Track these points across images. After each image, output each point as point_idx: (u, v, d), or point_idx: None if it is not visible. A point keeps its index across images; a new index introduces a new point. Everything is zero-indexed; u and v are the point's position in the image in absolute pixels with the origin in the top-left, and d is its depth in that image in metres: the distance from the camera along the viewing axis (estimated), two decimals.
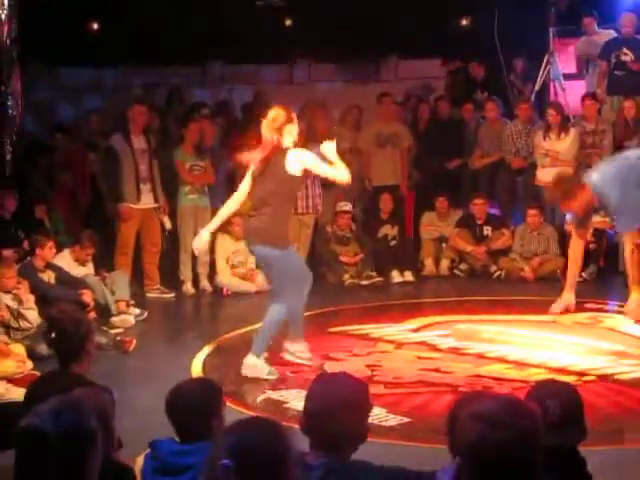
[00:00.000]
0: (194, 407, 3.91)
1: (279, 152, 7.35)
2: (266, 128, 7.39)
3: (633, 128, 11.96)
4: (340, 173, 7.53)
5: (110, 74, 15.45)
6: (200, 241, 7.88)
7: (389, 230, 12.10)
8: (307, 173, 7.49)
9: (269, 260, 7.54)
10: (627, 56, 12.29)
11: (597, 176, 8.43)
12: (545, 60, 12.81)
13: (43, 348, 7.28)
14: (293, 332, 7.75)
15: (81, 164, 12.33)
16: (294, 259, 7.74)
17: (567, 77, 13.59)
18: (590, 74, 13.22)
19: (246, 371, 7.49)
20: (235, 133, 12.12)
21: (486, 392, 3.91)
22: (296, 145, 7.45)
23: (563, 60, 13.41)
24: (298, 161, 7.34)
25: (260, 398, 7.05)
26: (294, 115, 7.53)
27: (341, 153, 7.76)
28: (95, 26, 14.76)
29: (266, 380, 7.40)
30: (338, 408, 3.38)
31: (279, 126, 7.35)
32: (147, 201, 11.01)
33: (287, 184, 7.40)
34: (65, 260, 9.83)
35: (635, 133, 11.94)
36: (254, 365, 7.48)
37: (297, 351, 7.74)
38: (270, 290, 8.17)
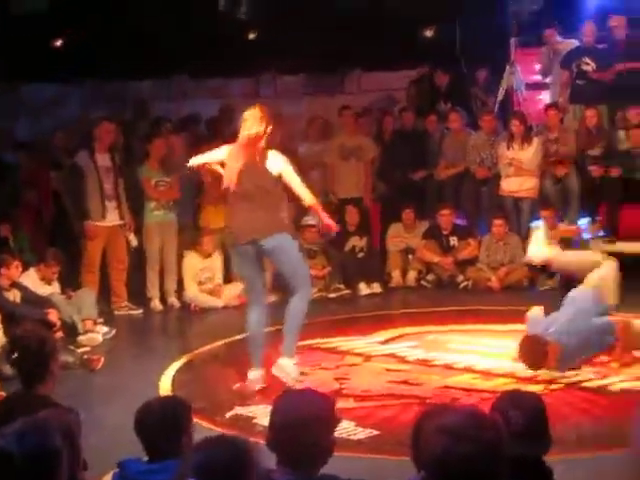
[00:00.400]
0: (163, 425, 3.91)
1: (261, 150, 7.38)
2: (252, 123, 7.39)
3: (595, 136, 12.07)
4: (307, 194, 7.57)
5: (74, 90, 15.37)
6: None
7: (357, 242, 12.11)
8: (280, 178, 7.48)
9: (285, 247, 7.48)
10: (589, 65, 12.40)
11: (554, 331, 8.31)
12: (507, 70, 12.89)
13: (7, 368, 7.22)
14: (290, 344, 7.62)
15: (45, 182, 12.26)
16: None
17: (529, 87, 13.71)
18: (552, 83, 13.33)
19: (277, 371, 7.44)
20: (201, 147, 12.12)
21: (450, 405, 3.91)
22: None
23: (525, 70, 13.51)
24: (279, 162, 7.38)
25: (229, 414, 7.04)
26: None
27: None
28: (59, 42, 14.69)
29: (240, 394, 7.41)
30: (304, 423, 3.38)
31: (264, 124, 7.38)
32: (113, 218, 10.97)
33: (271, 182, 7.41)
34: (31, 279, 9.77)
35: (597, 141, 12.06)
36: (287, 366, 7.43)
37: (284, 365, 7.56)
38: (285, 282, 7.93)
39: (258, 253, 7.49)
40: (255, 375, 7.57)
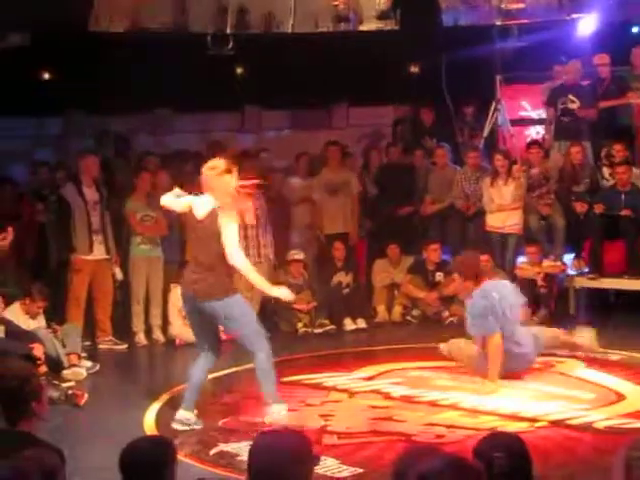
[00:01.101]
0: (148, 467, 3.91)
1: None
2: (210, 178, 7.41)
3: (580, 173, 12.14)
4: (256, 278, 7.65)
5: (55, 123, 15.37)
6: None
7: (343, 277, 12.11)
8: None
9: (228, 310, 7.43)
10: (574, 103, 12.50)
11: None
12: (492, 107, 12.97)
13: None
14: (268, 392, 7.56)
15: (28, 215, 12.22)
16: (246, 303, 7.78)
17: (516, 123, 13.81)
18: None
19: (269, 419, 7.40)
20: (186, 182, 12.12)
21: (430, 448, 3.88)
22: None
23: (510, 106, 13.60)
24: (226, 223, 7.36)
25: (213, 451, 7.01)
26: (233, 167, 7.49)
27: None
28: (45, 75, 14.69)
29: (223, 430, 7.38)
30: (280, 465, 3.33)
31: (217, 174, 7.37)
32: (99, 252, 10.97)
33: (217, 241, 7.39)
34: (15, 313, 9.74)
35: (582, 178, 12.13)
36: (279, 410, 7.43)
37: (275, 412, 7.50)
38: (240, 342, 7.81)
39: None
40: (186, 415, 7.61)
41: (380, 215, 13.00)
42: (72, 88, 13.33)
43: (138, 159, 13.18)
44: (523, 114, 14.77)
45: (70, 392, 8.60)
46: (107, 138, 14.30)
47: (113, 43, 12.45)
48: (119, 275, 11.15)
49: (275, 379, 7.60)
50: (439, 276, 12.04)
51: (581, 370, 8.98)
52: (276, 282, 11.54)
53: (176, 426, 7.50)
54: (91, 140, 14.38)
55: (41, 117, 14.94)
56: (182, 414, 7.58)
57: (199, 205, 7.48)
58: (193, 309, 7.58)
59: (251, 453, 3.44)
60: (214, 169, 7.43)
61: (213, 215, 7.37)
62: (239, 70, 15.06)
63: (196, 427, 7.54)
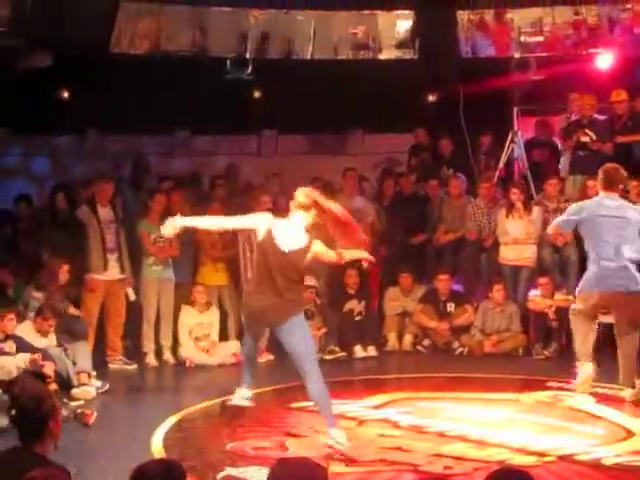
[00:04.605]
0: None
1: None
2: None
3: None
4: None
5: (76, 142, 15.46)
6: (170, 225, 7.52)
7: (355, 305, 12.11)
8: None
9: (293, 329, 7.43)
10: (588, 137, 12.48)
11: None
12: (509, 139, 12.99)
13: (3, 420, 7.23)
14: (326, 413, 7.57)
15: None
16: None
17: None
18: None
19: (331, 442, 7.38)
20: (203, 205, 12.21)
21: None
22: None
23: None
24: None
25: (220, 475, 6.99)
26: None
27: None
28: (65, 94, 14.77)
29: (226, 454, 7.37)
30: None
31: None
32: (113, 272, 11.02)
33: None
34: (26, 331, 9.77)
35: None
36: (336, 435, 7.38)
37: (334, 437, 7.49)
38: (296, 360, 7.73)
39: None
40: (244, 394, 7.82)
41: (393, 243, 13.00)
42: (91, 108, 13.40)
43: (157, 180, 13.23)
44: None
45: (79, 411, 8.60)
46: (125, 158, 14.39)
47: (133, 65, 12.54)
48: (132, 296, 11.19)
49: (330, 408, 7.56)
50: (450, 306, 12.05)
51: (590, 405, 8.94)
52: None
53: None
54: (108, 160, 14.48)
55: (61, 136, 15.05)
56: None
57: (283, 233, 7.39)
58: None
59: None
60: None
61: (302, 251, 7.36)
62: (257, 94, 15.13)
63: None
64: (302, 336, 7.47)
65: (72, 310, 10.66)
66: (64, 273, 10.46)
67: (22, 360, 8.82)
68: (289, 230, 7.34)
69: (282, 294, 7.33)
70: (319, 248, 7.46)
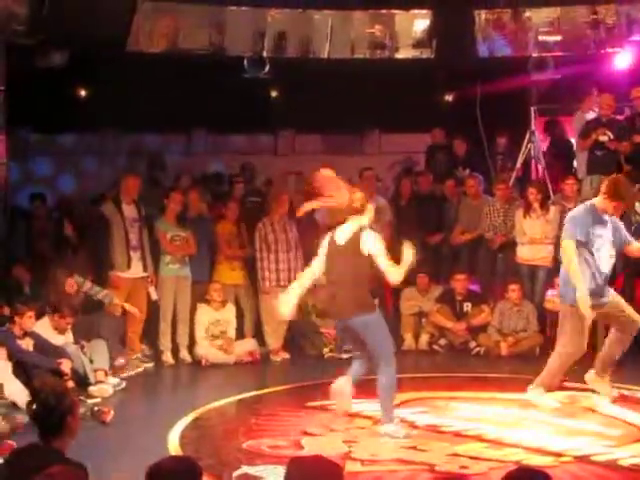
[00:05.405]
0: None
1: None
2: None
3: None
4: None
5: (92, 141, 15.51)
6: (286, 305, 8.02)
7: None
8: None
9: (370, 325, 7.93)
10: (606, 136, 12.44)
11: None
12: (526, 139, 12.96)
13: (21, 417, 7.28)
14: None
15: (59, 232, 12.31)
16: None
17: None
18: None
19: (387, 437, 7.69)
20: (220, 203, 12.23)
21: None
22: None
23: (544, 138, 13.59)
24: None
25: (236, 473, 7.00)
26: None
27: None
28: (82, 93, 14.83)
29: (241, 453, 7.38)
30: None
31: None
32: (136, 270, 11.05)
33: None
34: (44, 328, 9.80)
35: None
36: (393, 431, 7.77)
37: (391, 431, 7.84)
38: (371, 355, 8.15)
39: None
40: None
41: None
42: (108, 106, 13.45)
43: (173, 179, 13.26)
44: None
45: (96, 409, 8.63)
46: (141, 157, 14.42)
47: (151, 64, 12.57)
48: (154, 295, 11.20)
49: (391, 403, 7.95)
50: (467, 306, 12.03)
51: (607, 406, 8.91)
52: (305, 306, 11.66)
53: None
54: (124, 159, 14.52)
55: (77, 134, 15.11)
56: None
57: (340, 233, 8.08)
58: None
59: (286, 477, 3.48)
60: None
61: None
62: (274, 94, 15.15)
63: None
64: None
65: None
66: (71, 286, 10.46)
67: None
68: (345, 230, 8.08)
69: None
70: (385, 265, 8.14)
